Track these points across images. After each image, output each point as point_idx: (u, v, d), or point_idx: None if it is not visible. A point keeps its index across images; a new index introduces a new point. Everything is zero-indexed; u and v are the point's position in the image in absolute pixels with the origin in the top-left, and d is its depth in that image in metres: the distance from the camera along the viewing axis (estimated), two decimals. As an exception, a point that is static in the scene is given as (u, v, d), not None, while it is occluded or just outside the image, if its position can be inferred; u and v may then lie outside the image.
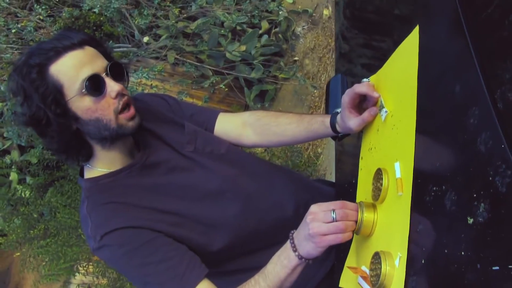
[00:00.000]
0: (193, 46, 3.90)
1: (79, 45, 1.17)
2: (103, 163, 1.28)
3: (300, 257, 1.10)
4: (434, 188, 0.86)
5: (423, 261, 0.86)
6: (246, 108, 4.29)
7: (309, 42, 4.00)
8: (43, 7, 3.38)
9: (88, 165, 1.29)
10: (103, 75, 1.18)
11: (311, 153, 3.63)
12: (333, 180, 1.60)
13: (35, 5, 3.39)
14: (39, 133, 1.23)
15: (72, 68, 1.15)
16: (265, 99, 4.13)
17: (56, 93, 1.15)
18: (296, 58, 4.08)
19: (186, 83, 3.95)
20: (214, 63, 3.88)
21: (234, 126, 1.49)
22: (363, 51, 1.51)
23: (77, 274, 3.63)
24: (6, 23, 3.29)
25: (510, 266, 0.63)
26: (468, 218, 0.74)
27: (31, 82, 1.15)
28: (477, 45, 0.81)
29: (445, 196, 0.82)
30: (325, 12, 3.95)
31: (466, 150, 0.79)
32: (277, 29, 4.09)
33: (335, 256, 1.35)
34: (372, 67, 1.26)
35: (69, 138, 1.22)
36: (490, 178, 0.70)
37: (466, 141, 0.79)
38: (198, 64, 3.86)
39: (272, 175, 1.46)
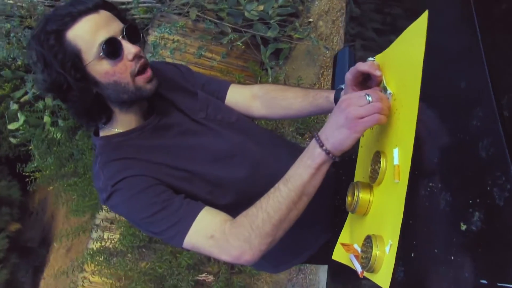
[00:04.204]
0: (214, 4, 3.76)
1: (94, 9, 1.10)
2: (120, 125, 1.22)
3: (328, 152, 0.97)
4: (430, 184, 0.78)
5: (412, 255, 0.79)
6: (261, 64, 4.17)
7: (324, 5, 3.81)
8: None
9: (104, 126, 1.23)
10: (120, 37, 1.10)
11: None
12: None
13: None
14: (61, 98, 1.17)
15: (88, 32, 1.08)
16: (279, 57, 4.01)
17: (74, 58, 1.09)
18: (310, 20, 3.90)
19: (206, 39, 3.84)
20: (233, 21, 3.75)
21: (244, 97, 1.42)
22: (373, 16, 1.40)
23: (101, 210, 3.67)
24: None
25: (499, 284, 0.56)
26: (461, 224, 0.66)
27: (49, 49, 1.08)
28: (488, 43, 0.71)
29: (441, 195, 0.74)
30: (341, -25, 3.73)
31: (466, 153, 0.70)
32: (294, -10, 3.91)
33: (331, 230, 1.29)
34: (381, 33, 1.16)
35: (90, 103, 1.16)
36: (488, 188, 0.62)
37: (467, 142, 0.70)
38: (218, 21, 3.73)
39: (278, 146, 1.40)
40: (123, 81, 1.12)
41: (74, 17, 1.07)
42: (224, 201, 1.22)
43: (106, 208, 3.64)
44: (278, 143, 1.42)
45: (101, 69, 1.10)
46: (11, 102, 4.20)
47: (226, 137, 1.30)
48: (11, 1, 3.02)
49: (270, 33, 3.76)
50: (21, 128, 4.12)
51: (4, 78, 4.22)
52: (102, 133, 1.24)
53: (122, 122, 1.22)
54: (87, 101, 1.14)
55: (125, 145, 1.20)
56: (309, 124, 3.46)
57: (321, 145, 0.97)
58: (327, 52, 3.65)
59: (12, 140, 4.53)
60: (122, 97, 1.15)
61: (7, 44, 2.97)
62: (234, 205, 1.21)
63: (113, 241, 3.74)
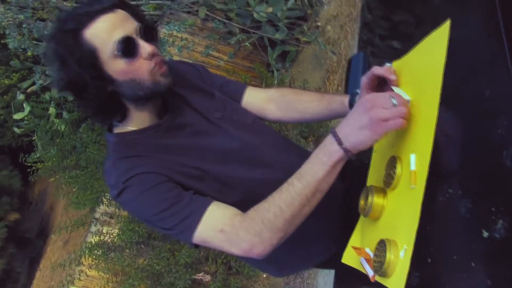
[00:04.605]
0: (223, 3, 3.76)
1: (111, 8, 1.10)
2: (134, 123, 1.22)
3: (346, 150, 0.95)
4: (450, 190, 0.78)
5: (429, 260, 0.79)
6: (268, 66, 4.16)
7: (333, 9, 3.81)
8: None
9: (119, 124, 1.23)
10: (136, 36, 1.10)
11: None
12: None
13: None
14: (77, 96, 1.17)
15: (105, 31, 1.08)
16: (286, 60, 4.01)
17: (91, 57, 1.09)
18: (319, 24, 3.91)
19: (214, 38, 3.85)
20: (242, 22, 3.76)
21: (260, 100, 1.42)
22: (387, 24, 1.40)
23: (101, 204, 3.65)
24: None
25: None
26: (484, 231, 0.66)
27: (66, 48, 1.08)
28: (515, 51, 0.71)
29: (461, 201, 0.74)
30: (351, -19, 3.74)
31: (490, 161, 0.70)
32: (303, -6, 3.91)
33: (341, 239, 1.28)
34: (394, 39, 1.15)
35: (105, 101, 1.15)
36: (513, 196, 0.62)
37: (490, 151, 0.70)
38: (227, 21, 3.74)
39: (290, 150, 1.39)
40: (139, 78, 1.12)
41: (91, 16, 1.07)
42: (232, 199, 1.22)
43: (106, 202, 3.63)
44: (289, 147, 1.42)
45: (117, 67, 1.10)
46: (18, 92, 4.19)
47: (239, 138, 1.29)
48: (26, -7, 3.02)
49: (278, 35, 3.76)
50: (26, 118, 4.11)
51: (13, 68, 4.21)
52: (116, 130, 1.24)
53: (137, 120, 1.21)
54: (102, 99, 1.14)
55: (138, 143, 1.19)
56: (313, 127, 3.46)
57: (340, 142, 0.95)
58: (334, 56, 3.66)
59: (16, 130, 4.52)
60: (138, 94, 1.14)
61: (18, 35, 2.96)
62: (241, 204, 1.21)
63: (111, 236, 3.73)
